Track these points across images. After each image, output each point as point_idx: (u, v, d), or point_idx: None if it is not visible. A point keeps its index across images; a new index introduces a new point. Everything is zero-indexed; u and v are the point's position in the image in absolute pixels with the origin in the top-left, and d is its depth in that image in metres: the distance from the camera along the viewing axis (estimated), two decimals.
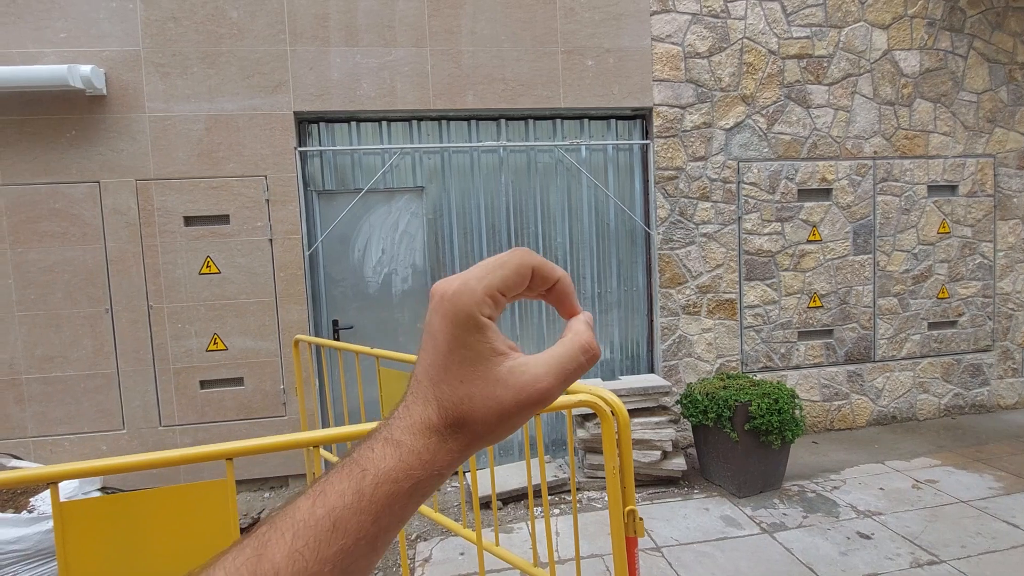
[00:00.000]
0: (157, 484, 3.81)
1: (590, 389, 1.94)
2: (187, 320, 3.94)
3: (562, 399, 1.85)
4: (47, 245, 3.78)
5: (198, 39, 3.86)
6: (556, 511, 3.63)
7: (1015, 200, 4.98)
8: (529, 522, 3.39)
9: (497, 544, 2.46)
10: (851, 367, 4.76)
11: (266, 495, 4.07)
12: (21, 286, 3.77)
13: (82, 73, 3.56)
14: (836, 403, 4.75)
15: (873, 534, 3.19)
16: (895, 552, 3.01)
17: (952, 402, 4.97)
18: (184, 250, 3.91)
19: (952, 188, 4.87)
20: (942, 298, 4.89)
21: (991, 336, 5.02)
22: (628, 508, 1.87)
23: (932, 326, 4.90)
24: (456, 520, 3.60)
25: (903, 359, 4.86)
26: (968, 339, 4.97)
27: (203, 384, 3.99)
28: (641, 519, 1.88)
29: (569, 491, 3.87)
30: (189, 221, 3.92)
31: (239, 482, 4.05)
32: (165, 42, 3.83)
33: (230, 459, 1.60)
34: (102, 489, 3.44)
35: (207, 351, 3.98)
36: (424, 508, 2.80)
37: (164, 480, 3.83)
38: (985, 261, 4.95)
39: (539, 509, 3.66)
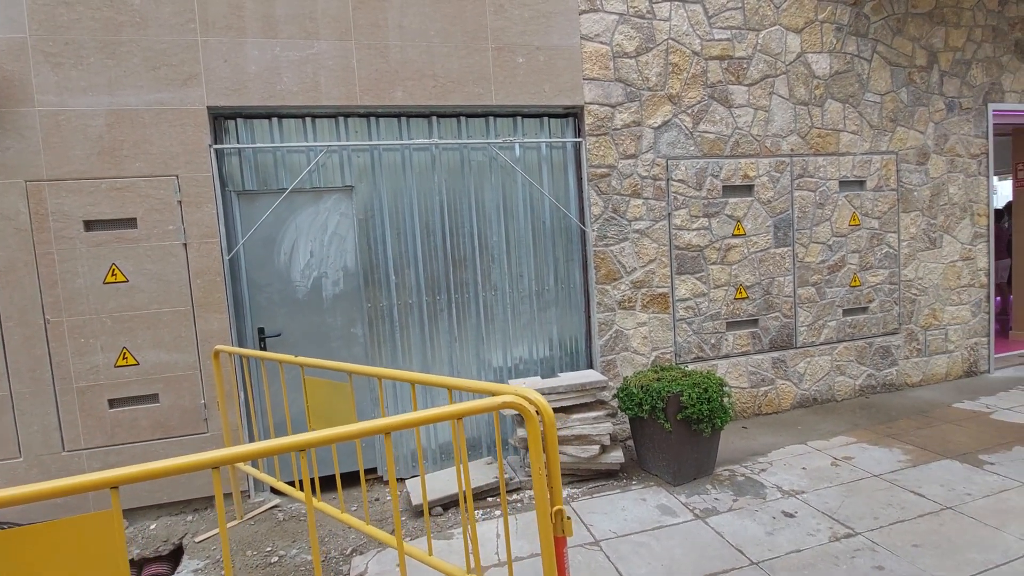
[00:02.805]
0: (64, 515, 3.49)
1: (515, 390, 1.92)
2: (91, 334, 3.61)
3: (486, 401, 1.82)
4: None
5: (94, 26, 3.54)
6: (498, 513, 3.60)
7: (915, 194, 5.39)
8: (468, 527, 3.34)
9: (430, 553, 2.39)
10: (775, 354, 5.01)
11: (189, 518, 3.81)
12: None
13: None
14: (763, 389, 4.99)
15: (796, 512, 3.36)
16: (816, 528, 3.18)
17: (866, 383, 5.34)
18: (85, 257, 3.58)
19: (861, 183, 5.22)
20: (854, 286, 5.24)
21: (898, 320, 5.42)
22: (556, 508, 1.87)
23: (847, 312, 5.24)
24: (392, 532, 3.50)
25: (822, 344, 5.16)
26: (878, 323, 5.35)
27: (112, 403, 3.67)
28: (569, 519, 1.88)
29: (511, 490, 3.85)
30: (90, 226, 3.59)
31: (159, 505, 3.78)
32: (56, 29, 3.48)
33: (115, 487, 1.45)
34: None
35: (116, 367, 3.67)
36: (355, 521, 2.70)
37: (71, 511, 3.51)
38: (891, 251, 5.34)
39: (480, 512, 3.62)
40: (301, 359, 2.93)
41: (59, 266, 3.55)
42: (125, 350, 3.68)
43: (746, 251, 4.88)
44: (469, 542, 2.52)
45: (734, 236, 4.83)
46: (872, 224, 5.26)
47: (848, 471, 3.87)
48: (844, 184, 5.16)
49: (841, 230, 5.16)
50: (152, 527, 3.72)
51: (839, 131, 5.08)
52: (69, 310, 3.57)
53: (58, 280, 3.55)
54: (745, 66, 4.76)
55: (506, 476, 3.90)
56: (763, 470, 3.96)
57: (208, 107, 3.73)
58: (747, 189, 4.87)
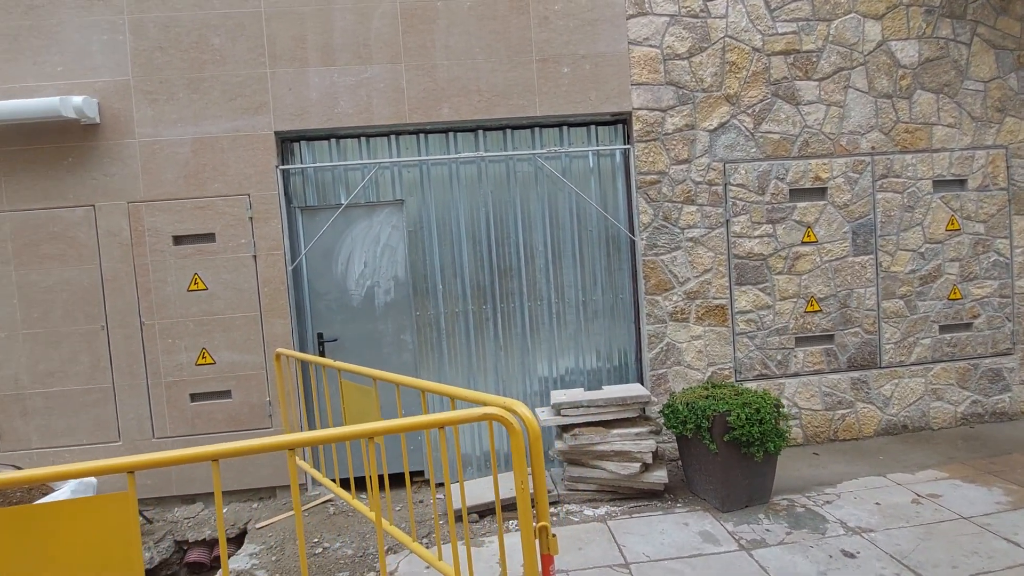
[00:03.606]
0: (149, 493, 3.95)
1: (504, 402, 1.92)
2: (177, 335, 4.09)
3: (467, 412, 1.83)
4: (47, 266, 4.00)
5: (183, 66, 4.04)
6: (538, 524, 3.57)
7: None
8: (511, 534, 3.34)
9: (447, 562, 2.43)
10: (855, 374, 4.53)
11: (254, 505, 4.16)
12: (24, 306, 3.99)
13: (74, 104, 3.77)
14: (839, 412, 4.52)
15: (859, 552, 3.01)
16: (879, 572, 2.83)
17: (970, 410, 4.66)
18: (173, 268, 4.07)
19: (961, 182, 4.60)
20: (954, 299, 4.61)
21: (1011, 339, 4.69)
22: (540, 524, 1.83)
23: (944, 329, 4.62)
24: (429, 533, 3.59)
25: (913, 365, 4.59)
26: (986, 342, 4.66)
27: (193, 397, 4.12)
28: (554, 536, 1.85)
29: (553, 503, 3.80)
30: (178, 240, 4.08)
31: (229, 492, 4.16)
32: (153, 70, 4.02)
33: (131, 472, 1.64)
34: None
35: (196, 365, 4.11)
36: (389, 527, 2.79)
37: (152, 489, 3.99)
38: (1001, 259, 4.65)
39: (514, 522, 3.61)
40: (338, 363, 3.12)
41: (152, 275, 4.06)
42: (204, 350, 4.12)
43: (818, 260, 4.47)
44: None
45: (804, 243, 4.45)
46: (976, 228, 4.60)
47: (931, 510, 3.40)
48: (939, 184, 4.57)
49: (936, 236, 4.57)
50: (224, 511, 4.11)
51: (932, 125, 4.52)
52: (160, 314, 4.07)
53: (151, 288, 4.06)
54: (815, 59, 4.40)
55: (548, 487, 3.85)
56: (828, 502, 3.59)
57: (275, 132, 4.10)
58: (819, 192, 4.47)
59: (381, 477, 4.00)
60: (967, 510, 3.37)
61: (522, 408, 1.85)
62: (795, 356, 4.48)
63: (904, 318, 4.56)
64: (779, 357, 4.47)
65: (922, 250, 4.56)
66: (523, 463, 1.79)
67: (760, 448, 3.40)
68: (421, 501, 4.15)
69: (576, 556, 3.17)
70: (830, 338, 4.52)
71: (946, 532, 3.15)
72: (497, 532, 3.44)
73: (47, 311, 4.01)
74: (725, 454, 3.46)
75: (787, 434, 3.49)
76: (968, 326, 4.65)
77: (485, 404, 1.95)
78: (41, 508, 1.59)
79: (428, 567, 3.16)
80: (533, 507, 1.85)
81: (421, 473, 4.43)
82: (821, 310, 4.48)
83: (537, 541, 1.85)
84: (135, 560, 1.63)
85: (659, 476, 3.72)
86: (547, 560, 1.84)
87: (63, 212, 4.00)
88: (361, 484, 4.06)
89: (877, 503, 3.53)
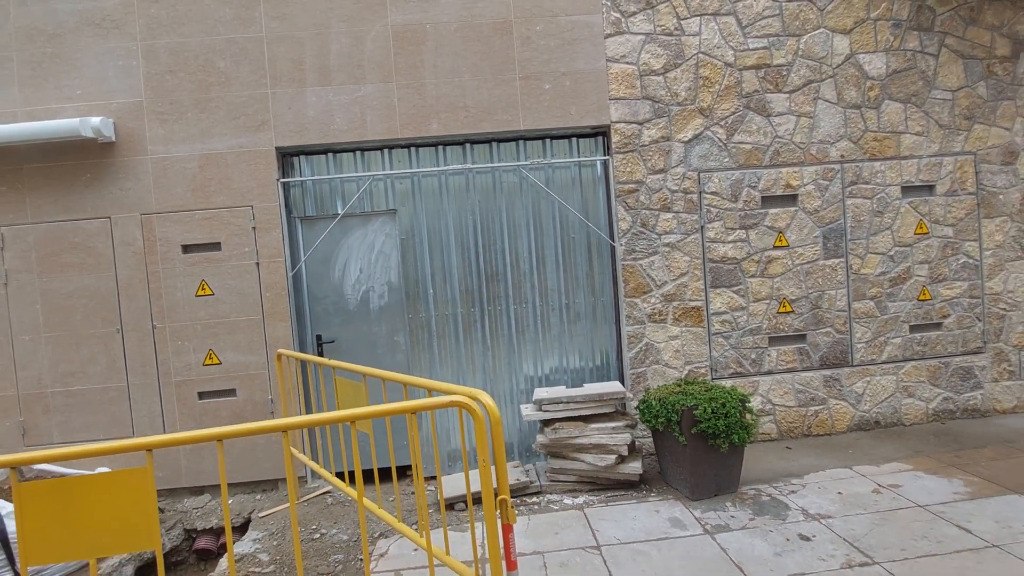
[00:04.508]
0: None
1: (469, 392, 2.18)
2: (186, 338, 4.40)
3: (436, 399, 2.09)
4: (67, 274, 4.33)
5: (191, 88, 4.36)
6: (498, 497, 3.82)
7: (1001, 197, 4.84)
8: (482, 523, 3.60)
9: (447, 550, 2.69)
10: (827, 372, 4.73)
11: (257, 496, 4.45)
12: (47, 311, 4.32)
13: (92, 124, 4.10)
14: (813, 408, 4.72)
15: (814, 536, 3.23)
16: (830, 554, 3.04)
17: (941, 407, 4.84)
18: (182, 275, 4.38)
19: (929, 188, 4.80)
20: (924, 300, 4.80)
21: (982, 338, 4.87)
22: (500, 498, 2.09)
23: (914, 328, 4.81)
24: (420, 526, 3.84)
25: (884, 363, 4.78)
26: (956, 341, 4.84)
27: (201, 395, 4.42)
28: (513, 508, 2.09)
29: (531, 494, 4.05)
30: (186, 249, 4.39)
31: (235, 484, 4.45)
32: (163, 92, 4.34)
33: (150, 450, 1.92)
34: None
35: (204, 365, 4.42)
36: (381, 512, 3.05)
37: (164, 481, 4.29)
38: (970, 261, 4.83)
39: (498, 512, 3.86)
40: (332, 362, 3.39)
41: (163, 282, 4.37)
42: (211, 351, 4.43)
43: (790, 263, 4.69)
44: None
45: (776, 248, 4.67)
46: (945, 232, 4.80)
47: (889, 499, 3.60)
48: (908, 189, 4.77)
49: (905, 239, 4.77)
50: (229, 502, 4.40)
51: (900, 133, 4.73)
52: (170, 318, 4.38)
53: (163, 293, 4.38)
54: (785, 73, 4.63)
55: (526, 479, 4.10)
56: (793, 492, 3.80)
57: (276, 147, 4.41)
58: (790, 199, 4.69)
59: (371, 471, 4.27)
60: (924, 499, 3.57)
61: (486, 398, 2.11)
62: (769, 355, 4.70)
63: (874, 318, 4.76)
64: (753, 356, 4.69)
65: (891, 253, 4.76)
66: (485, 444, 2.05)
67: (726, 440, 3.63)
68: (413, 493, 4.41)
69: (552, 540, 3.42)
70: (802, 338, 4.73)
71: (901, 519, 3.36)
72: (482, 518, 3.69)
73: (67, 316, 4.33)
74: (693, 446, 3.68)
75: (753, 428, 3.71)
76: (938, 326, 4.84)
77: (453, 394, 2.21)
78: (73, 480, 1.87)
79: (416, 549, 3.42)
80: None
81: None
82: (793, 311, 4.70)
83: (498, 512, 2.11)
84: (153, 529, 1.91)
85: (634, 467, 3.95)
86: (507, 529, 2.09)
87: (82, 224, 4.33)
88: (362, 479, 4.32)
89: (839, 492, 3.74)
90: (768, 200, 4.67)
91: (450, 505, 3.98)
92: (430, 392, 2.55)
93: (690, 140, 4.59)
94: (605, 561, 3.13)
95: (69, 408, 4.36)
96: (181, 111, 4.35)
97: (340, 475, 4.24)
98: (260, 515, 4.15)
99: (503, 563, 2.09)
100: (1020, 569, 2.79)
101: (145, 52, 4.32)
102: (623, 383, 4.68)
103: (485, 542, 2.93)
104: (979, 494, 3.58)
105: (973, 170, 4.81)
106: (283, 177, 4.52)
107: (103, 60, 4.31)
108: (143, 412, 4.40)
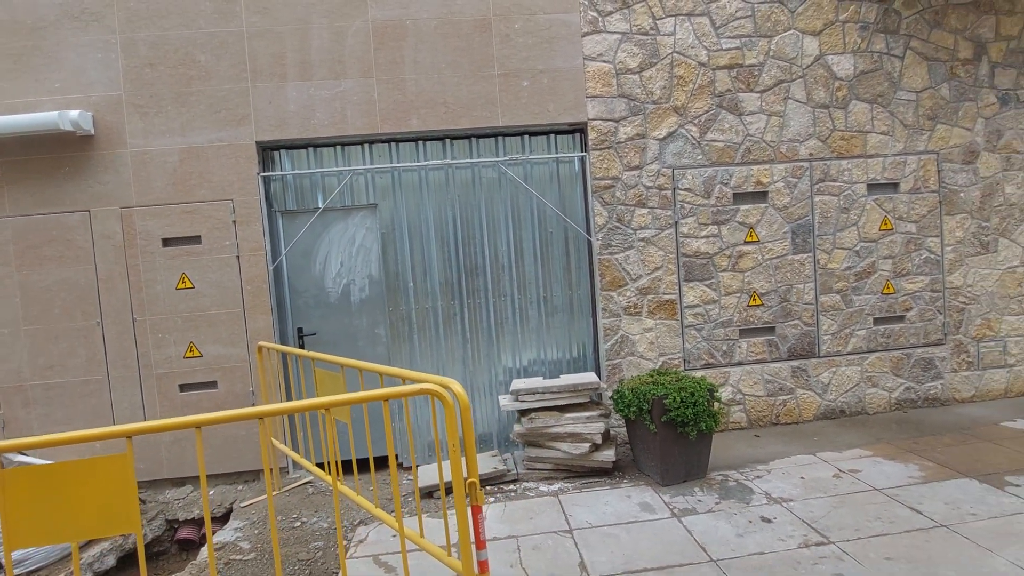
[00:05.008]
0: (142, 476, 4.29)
1: (440, 380, 2.27)
2: (166, 330, 4.43)
3: (408, 387, 2.19)
4: (47, 267, 4.33)
5: (171, 81, 4.37)
6: (491, 499, 3.94)
7: (962, 195, 5.04)
8: (454, 510, 3.70)
9: (421, 533, 2.79)
10: (795, 363, 4.91)
11: (239, 487, 4.51)
12: (25, 304, 4.33)
13: (71, 117, 4.11)
14: (781, 398, 4.90)
15: (775, 518, 3.39)
16: (789, 534, 3.20)
17: (904, 396, 5.05)
18: (162, 268, 4.41)
19: (894, 185, 4.97)
20: (887, 294, 4.99)
21: (943, 330, 5.07)
22: (470, 480, 2.19)
23: (878, 321, 5.00)
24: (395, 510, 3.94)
25: (849, 354, 4.97)
26: (918, 333, 5.04)
27: (182, 388, 4.47)
28: (481, 490, 2.20)
29: (509, 481, 4.17)
30: (167, 242, 4.42)
31: (216, 475, 4.51)
32: (143, 86, 4.35)
33: (129, 437, 1.99)
34: None
35: (185, 358, 4.46)
36: (359, 499, 3.15)
37: (145, 473, 4.34)
38: (932, 256, 5.03)
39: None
40: (311, 353, 3.47)
41: (143, 275, 4.40)
42: (192, 344, 4.47)
43: (760, 258, 4.84)
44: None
45: (747, 243, 4.82)
46: (908, 228, 4.98)
47: (848, 483, 3.78)
48: (873, 187, 4.95)
49: (870, 235, 4.94)
50: (211, 493, 4.46)
51: (866, 132, 4.90)
52: (150, 311, 4.41)
53: (143, 286, 4.40)
54: (756, 73, 4.76)
55: (504, 468, 4.21)
56: (758, 477, 3.96)
57: (256, 142, 4.45)
58: (761, 195, 4.84)
59: (350, 462, 4.36)
60: (881, 483, 3.75)
61: (455, 385, 2.20)
62: (739, 347, 4.86)
63: (840, 311, 4.94)
64: (724, 347, 4.84)
65: (857, 248, 4.94)
66: (455, 428, 2.15)
67: (694, 428, 3.77)
68: (387, 483, 4.50)
69: (527, 524, 3.54)
70: (771, 330, 4.90)
71: (857, 501, 3.53)
72: (455, 506, 3.79)
73: (47, 309, 4.34)
74: (663, 433, 3.82)
75: (721, 416, 3.86)
76: (901, 318, 5.03)
77: (424, 382, 2.30)
78: (55, 467, 1.94)
79: (395, 535, 3.52)
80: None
81: (396, 457, 4.78)
82: (763, 304, 4.86)
83: (468, 496, 2.21)
84: (133, 513, 1.98)
85: (607, 455, 4.08)
86: (476, 510, 2.20)
87: (61, 217, 4.34)
88: (341, 469, 4.41)
89: (802, 477, 3.91)
90: (739, 196, 4.81)
91: (429, 493, 4.08)
92: (404, 381, 2.64)
93: (665, 138, 4.71)
94: (576, 544, 3.26)
95: (49, 401, 4.38)
96: (161, 104, 4.37)
97: (321, 465, 4.32)
98: (242, 505, 4.22)
99: (472, 544, 2.20)
100: (965, 546, 2.96)
101: (125, 45, 4.33)
102: (599, 374, 4.81)
103: (443, 515, 3.04)
104: (932, 478, 3.77)
105: (936, 169, 5.00)
106: (264, 171, 4.55)
107: (82, 53, 4.31)
108: (124, 405, 4.43)
